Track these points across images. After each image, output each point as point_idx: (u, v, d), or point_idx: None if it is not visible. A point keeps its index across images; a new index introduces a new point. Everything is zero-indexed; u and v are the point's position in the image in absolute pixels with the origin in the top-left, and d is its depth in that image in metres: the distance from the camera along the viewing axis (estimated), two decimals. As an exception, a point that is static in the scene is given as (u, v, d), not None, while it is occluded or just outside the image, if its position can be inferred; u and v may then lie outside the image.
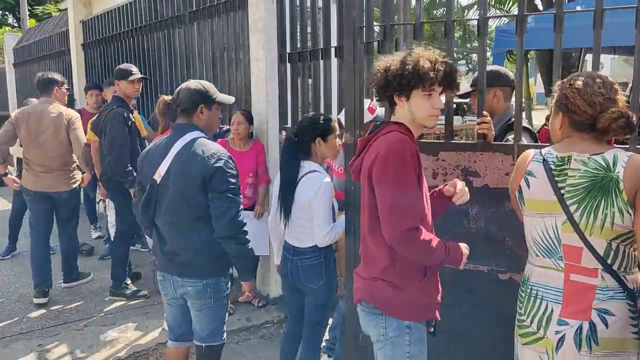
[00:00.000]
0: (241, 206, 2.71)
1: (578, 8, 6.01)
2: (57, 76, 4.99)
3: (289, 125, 4.48)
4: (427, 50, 2.10)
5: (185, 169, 2.63)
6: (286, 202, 2.96)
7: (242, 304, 4.62)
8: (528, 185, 2.00)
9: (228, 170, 2.65)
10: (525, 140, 2.66)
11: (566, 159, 1.91)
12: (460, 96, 3.02)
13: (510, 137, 2.77)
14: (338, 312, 3.45)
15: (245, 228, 2.70)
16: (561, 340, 1.89)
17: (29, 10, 18.41)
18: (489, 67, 3.13)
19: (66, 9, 8.79)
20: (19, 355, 3.84)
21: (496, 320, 2.59)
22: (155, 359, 3.83)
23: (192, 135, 2.69)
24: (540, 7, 11.89)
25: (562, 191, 1.89)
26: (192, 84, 2.81)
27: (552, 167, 1.93)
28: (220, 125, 4.86)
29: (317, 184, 2.87)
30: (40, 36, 10.24)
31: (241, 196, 4.27)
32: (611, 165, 1.82)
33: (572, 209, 1.88)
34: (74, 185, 4.92)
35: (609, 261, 1.86)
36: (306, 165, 2.95)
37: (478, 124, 2.67)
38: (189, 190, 2.63)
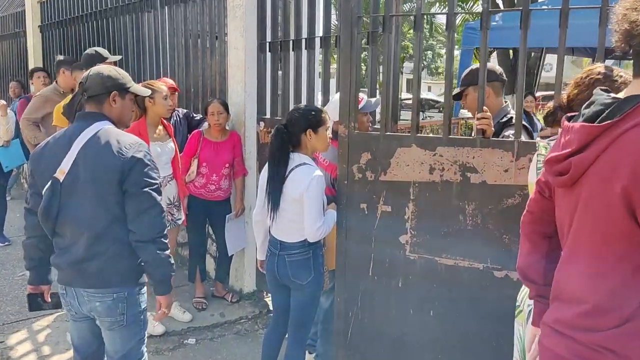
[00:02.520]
0: (164, 207, 2.36)
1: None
2: (67, 59, 5.17)
3: (268, 116, 4.36)
4: None
5: (98, 162, 2.25)
6: (275, 195, 2.86)
7: (215, 299, 4.51)
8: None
9: (148, 163, 2.31)
10: (524, 137, 2.63)
11: (540, 146, 2.12)
12: (454, 97, 2.95)
13: (507, 133, 2.75)
14: (320, 308, 3.38)
15: (166, 232, 2.36)
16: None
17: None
18: (474, 65, 3.10)
19: (21, -11, 8.37)
20: (-21, 354, 3.62)
21: (492, 317, 2.58)
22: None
23: (101, 124, 2.32)
24: (501, 6, 12.06)
25: (538, 171, 2.07)
26: (105, 69, 2.44)
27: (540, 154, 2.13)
28: (193, 114, 4.71)
29: (308, 177, 2.78)
30: (-10, 16, 9.73)
31: (214, 186, 4.21)
32: None
33: None
34: None
35: None
36: (296, 158, 2.86)
37: (478, 119, 2.62)
38: (104, 187, 2.25)
